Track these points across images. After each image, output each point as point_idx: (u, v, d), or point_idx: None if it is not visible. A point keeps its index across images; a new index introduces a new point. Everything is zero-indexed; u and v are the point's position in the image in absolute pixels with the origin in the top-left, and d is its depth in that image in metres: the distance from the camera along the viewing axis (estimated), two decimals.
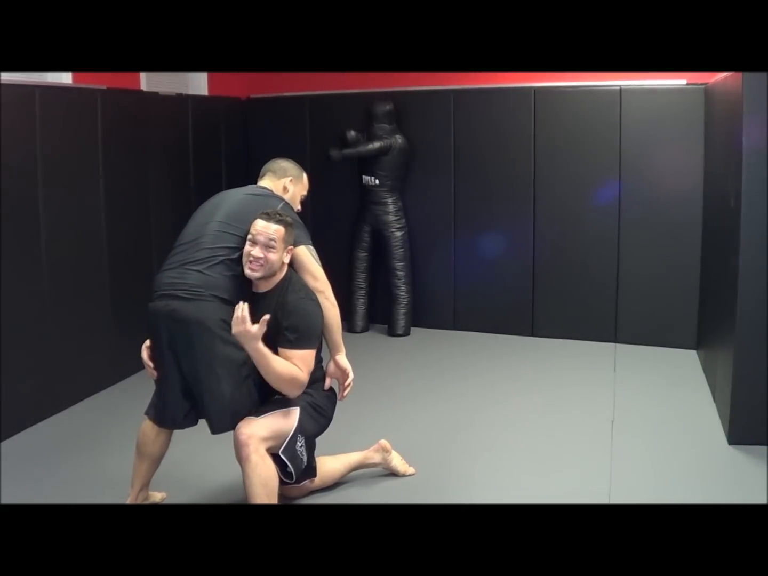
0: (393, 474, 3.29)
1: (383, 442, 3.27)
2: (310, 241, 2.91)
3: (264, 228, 2.69)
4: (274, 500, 2.71)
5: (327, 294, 2.86)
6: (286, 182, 3.05)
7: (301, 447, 2.79)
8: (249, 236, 2.69)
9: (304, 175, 3.13)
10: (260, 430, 2.67)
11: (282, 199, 2.96)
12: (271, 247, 2.68)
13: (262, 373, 2.66)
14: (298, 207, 3.07)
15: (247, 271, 2.71)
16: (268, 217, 2.70)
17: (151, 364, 2.82)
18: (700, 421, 3.85)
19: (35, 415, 3.89)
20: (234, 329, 2.57)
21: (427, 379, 4.63)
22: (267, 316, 2.58)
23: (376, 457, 3.26)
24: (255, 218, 2.71)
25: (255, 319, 2.71)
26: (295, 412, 2.77)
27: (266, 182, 3.05)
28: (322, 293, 2.84)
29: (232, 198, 2.92)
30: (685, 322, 4.97)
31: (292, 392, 2.74)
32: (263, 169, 3.10)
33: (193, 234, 2.81)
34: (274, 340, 2.70)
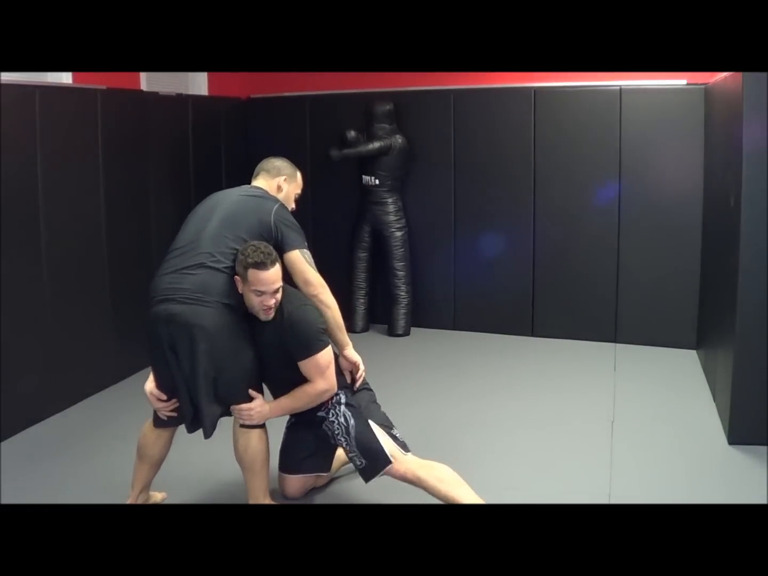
0: None
1: None
2: (305, 244, 2.89)
3: (266, 278, 2.65)
4: (456, 477, 2.81)
5: (321, 297, 2.85)
6: (280, 181, 3.02)
7: (396, 436, 2.90)
8: (252, 288, 2.66)
9: (298, 174, 3.10)
10: (406, 463, 2.80)
11: (277, 200, 2.92)
12: (277, 290, 2.71)
13: (296, 410, 2.88)
14: (292, 206, 3.04)
15: (262, 317, 2.74)
16: (263, 265, 2.64)
17: (160, 399, 2.80)
18: (700, 421, 3.85)
19: (35, 415, 3.89)
20: (249, 422, 2.77)
21: (427, 379, 4.63)
22: None
23: None
24: (246, 268, 2.65)
25: (255, 328, 2.77)
26: (372, 423, 2.87)
27: (260, 182, 3.02)
28: (316, 297, 2.84)
29: (227, 200, 2.88)
30: (685, 322, 4.97)
31: (327, 397, 2.85)
32: (257, 169, 3.08)
33: (190, 238, 2.78)
34: (281, 350, 2.76)
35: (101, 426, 3.89)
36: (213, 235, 2.75)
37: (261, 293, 2.67)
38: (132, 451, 2.93)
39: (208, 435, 2.76)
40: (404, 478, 2.79)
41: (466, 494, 2.74)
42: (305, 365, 2.76)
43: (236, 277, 2.70)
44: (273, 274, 2.66)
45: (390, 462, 2.79)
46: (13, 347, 3.68)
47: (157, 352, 2.73)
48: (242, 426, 2.80)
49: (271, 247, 2.72)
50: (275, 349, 2.78)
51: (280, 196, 2.99)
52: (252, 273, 2.64)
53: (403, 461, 2.80)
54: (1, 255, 3.61)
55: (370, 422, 2.85)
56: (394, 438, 2.87)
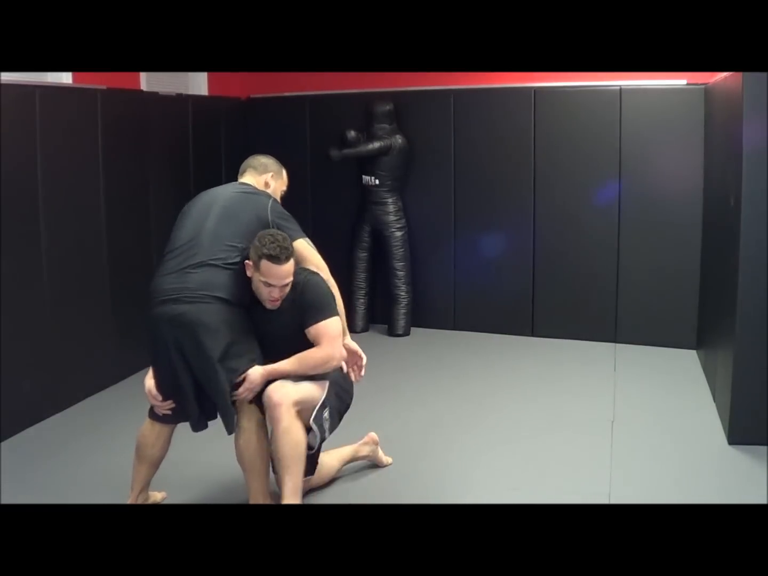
0: (375, 465, 3.36)
1: (373, 434, 3.33)
2: (304, 233, 2.92)
3: (278, 273, 2.65)
4: (303, 464, 2.73)
5: (331, 282, 2.90)
6: (267, 178, 3.06)
7: (326, 419, 2.81)
8: (263, 279, 2.67)
9: (284, 171, 3.14)
10: (293, 394, 2.69)
11: (269, 196, 2.96)
12: (286, 285, 2.71)
13: (295, 374, 2.72)
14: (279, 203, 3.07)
15: (268, 306, 2.74)
16: (278, 259, 2.63)
17: (160, 397, 2.79)
18: (700, 421, 3.85)
19: (35, 415, 3.89)
20: (250, 393, 2.70)
21: (427, 379, 4.63)
22: None
23: (366, 450, 3.32)
24: (260, 257, 2.63)
25: (262, 319, 2.76)
26: (325, 384, 2.80)
27: (248, 178, 3.05)
28: (327, 281, 2.88)
29: (221, 198, 2.89)
30: (685, 322, 4.97)
31: (330, 368, 2.78)
32: (243, 166, 3.11)
33: (188, 237, 2.78)
34: (293, 324, 2.74)
35: (101, 426, 3.89)
36: (212, 233, 2.76)
37: (270, 285, 2.68)
38: (131, 451, 2.93)
39: (231, 430, 2.75)
40: (277, 401, 2.65)
41: (293, 487, 2.68)
42: (315, 329, 2.72)
43: (247, 261, 2.70)
44: (285, 270, 2.67)
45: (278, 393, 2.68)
46: (13, 347, 3.67)
47: (160, 352, 2.73)
48: (249, 403, 2.75)
49: (290, 241, 2.72)
50: (282, 327, 2.76)
51: (267, 192, 3.02)
52: (265, 264, 2.64)
53: (292, 397, 2.66)
54: (1, 255, 3.61)
55: (320, 381, 2.79)
56: (325, 421, 2.78)
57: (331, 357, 2.75)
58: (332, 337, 2.75)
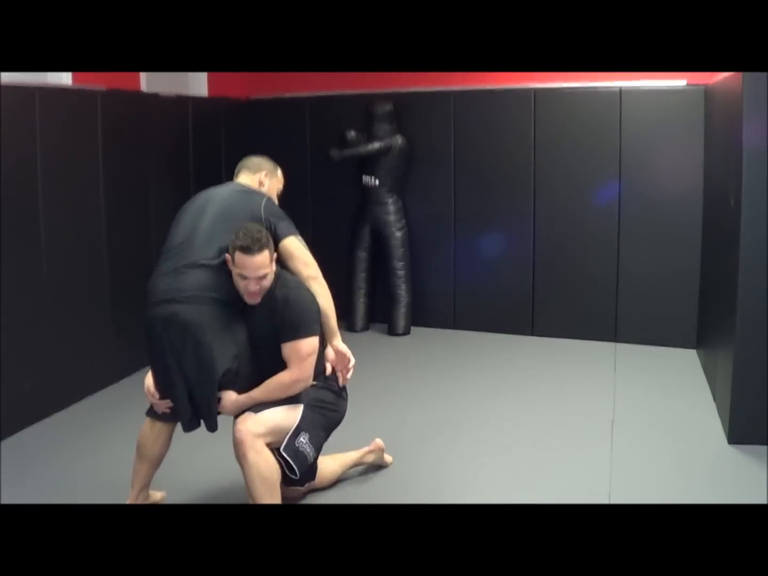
0: (378, 467, 3.36)
1: (379, 441, 3.32)
2: (296, 231, 2.90)
3: (250, 264, 2.63)
4: (277, 495, 2.71)
5: (320, 280, 2.85)
6: (261, 176, 3.06)
7: (304, 443, 2.76)
8: (238, 271, 2.65)
9: (279, 170, 3.14)
10: (256, 427, 2.67)
11: (264, 194, 2.95)
12: (262, 277, 2.67)
13: (267, 401, 2.72)
14: (275, 201, 3.05)
15: (247, 301, 2.72)
16: (249, 250, 2.62)
17: (157, 396, 2.79)
18: (700, 421, 3.85)
19: (35, 414, 3.89)
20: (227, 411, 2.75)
21: (427, 378, 4.63)
22: None
23: (371, 457, 3.31)
24: (234, 249, 2.64)
25: (251, 321, 2.75)
26: (298, 408, 2.77)
27: (243, 178, 3.06)
28: (316, 279, 2.84)
29: (217, 197, 2.89)
30: (685, 322, 4.97)
31: (299, 389, 2.76)
32: (238, 167, 3.11)
33: (184, 236, 2.79)
34: (273, 336, 2.72)
35: (101, 425, 3.89)
36: (207, 233, 2.76)
37: (245, 278, 2.66)
38: (132, 450, 2.93)
39: (210, 429, 2.76)
40: (240, 438, 2.65)
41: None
42: (288, 348, 2.71)
43: (227, 255, 2.70)
44: (258, 261, 2.64)
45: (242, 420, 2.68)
46: (13, 347, 3.67)
47: (156, 352, 2.73)
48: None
49: (265, 233, 2.70)
50: (267, 338, 2.74)
51: (262, 191, 3.02)
52: (238, 256, 2.64)
53: (255, 431, 2.64)
54: (1, 255, 3.61)
55: (293, 406, 2.76)
56: (304, 445, 2.74)
57: (297, 380, 2.73)
58: (301, 358, 2.71)
